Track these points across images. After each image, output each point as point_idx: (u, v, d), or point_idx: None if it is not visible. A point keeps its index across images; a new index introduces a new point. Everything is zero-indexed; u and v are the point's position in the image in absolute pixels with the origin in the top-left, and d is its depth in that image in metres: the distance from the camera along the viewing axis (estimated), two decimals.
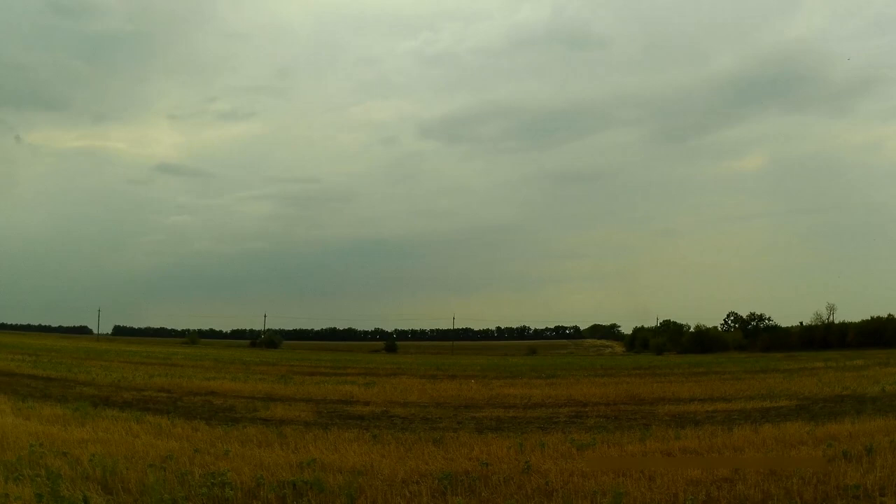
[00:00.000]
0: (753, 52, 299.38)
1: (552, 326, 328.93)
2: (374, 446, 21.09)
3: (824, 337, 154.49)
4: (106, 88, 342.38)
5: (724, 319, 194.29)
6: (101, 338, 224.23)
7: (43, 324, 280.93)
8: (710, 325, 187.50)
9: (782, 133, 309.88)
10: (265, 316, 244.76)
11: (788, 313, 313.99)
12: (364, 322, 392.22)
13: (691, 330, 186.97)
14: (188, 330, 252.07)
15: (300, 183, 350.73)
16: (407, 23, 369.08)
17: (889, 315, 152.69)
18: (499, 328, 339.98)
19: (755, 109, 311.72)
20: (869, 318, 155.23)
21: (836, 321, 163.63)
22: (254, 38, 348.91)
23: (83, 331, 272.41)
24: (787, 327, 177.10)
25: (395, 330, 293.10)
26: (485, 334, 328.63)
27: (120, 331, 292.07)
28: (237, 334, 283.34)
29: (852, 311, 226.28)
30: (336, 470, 16.92)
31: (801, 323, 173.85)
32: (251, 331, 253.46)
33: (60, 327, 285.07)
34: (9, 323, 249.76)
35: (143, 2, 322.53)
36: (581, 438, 22.32)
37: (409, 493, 14.62)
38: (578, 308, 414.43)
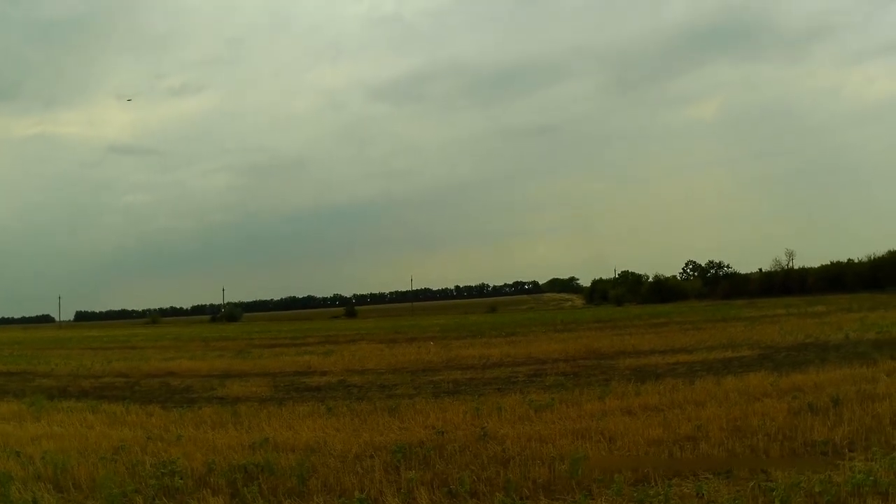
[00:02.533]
0: (706, 1, 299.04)
1: (511, 283, 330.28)
2: (329, 420, 20.60)
3: (784, 283, 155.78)
4: (56, 73, 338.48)
5: (683, 268, 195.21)
6: (63, 325, 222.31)
7: (5, 316, 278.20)
8: (668, 274, 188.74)
9: (737, 80, 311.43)
10: (223, 290, 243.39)
11: (748, 260, 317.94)
12: (323, 289, 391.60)
13: (650, 280, 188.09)
14: (149, 310, 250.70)
15: (254, 153, 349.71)
16: None
17: (849, 260, 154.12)
18: (458, 287, 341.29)
19: (710, 57, 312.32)
20: (829, 263, 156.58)
21: (796, 267, 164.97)
22: (201, 11, 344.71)
23: (46, 319, 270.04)
24: (747, 274, 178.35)
25: (355, 295, 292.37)
26: (444, 294, 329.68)
27: (82, 316, 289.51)
28: (198, 310, 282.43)
29: (812, 257, 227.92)
30: (289, 449, 16.55)
31: (761, 269, 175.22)
32: (211, 305, 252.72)
33: (23, 318, 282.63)
34: None
35: None
36: (539, 399, 21.88)
37: (362, 470, 14.16)
38: (538, 263, 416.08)
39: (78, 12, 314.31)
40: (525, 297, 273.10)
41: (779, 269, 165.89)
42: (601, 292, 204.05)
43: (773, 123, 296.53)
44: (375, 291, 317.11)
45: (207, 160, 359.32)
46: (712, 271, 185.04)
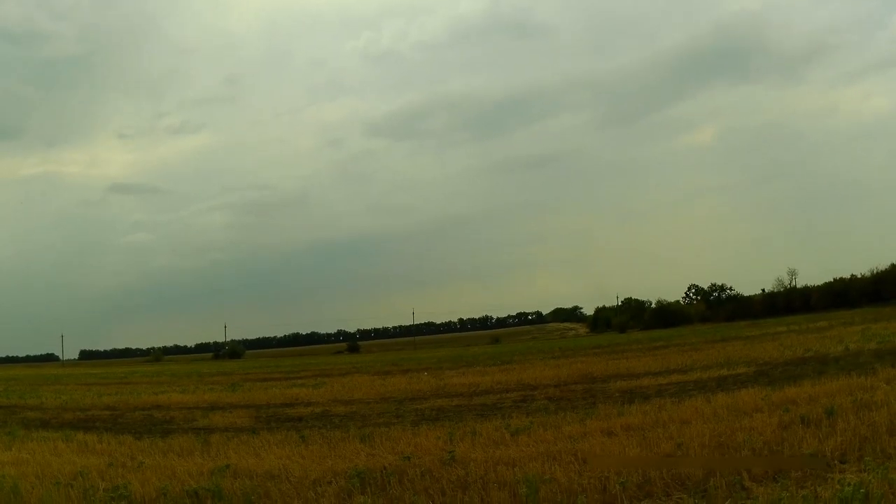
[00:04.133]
0: (698, 28, 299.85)
1: (514, 314, 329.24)
2: (297, 448, 19.83)
3: (787, 302, 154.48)
4: (57, 112, 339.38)
5: (686, 293, 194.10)
6: (66, 363, 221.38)
7: (9, 354, 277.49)
8: (671, 299, 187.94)
9: (733, 105, 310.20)
10: (225, 327, 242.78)
11: (750, 281, 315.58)
12: (326, 325, 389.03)
13: (653, 306, 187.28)
14: (153, 348, 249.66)
15: (254, 190, 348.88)
16: (350, 23, 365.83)
17: (852, 275, 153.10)
18: (461, 320, 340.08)
19: (703, 84, 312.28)
20: (832, 280, 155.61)
21: (799, 286, 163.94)
22: (200, 50, 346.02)
23: (50, 358, 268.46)
24: (750, 296, 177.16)
25: (358, 330, 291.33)
26: (448, 327, 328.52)
27: (87, 355, 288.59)
28: (201, 348, 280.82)
29: (815, 276, 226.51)
30: (249, 475, 15.83)
31: (764, 290, 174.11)
32: (215, 343, 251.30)
33: (27, 357, 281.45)
34: None
35: (89, 24, 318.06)
36: (518, 423, 21.03)
37: (315, 495, 13.50)
38: (540, 294, 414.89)
39: (78, 52, 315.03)
40: (528, 327, 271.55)
41: (782, 289, 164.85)
42: (604, 320, 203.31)
43: (770, 145, 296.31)
44: (378, 326, 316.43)
45: (208, 198, 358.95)
46: (715, 294, 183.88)
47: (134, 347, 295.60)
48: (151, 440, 23.75)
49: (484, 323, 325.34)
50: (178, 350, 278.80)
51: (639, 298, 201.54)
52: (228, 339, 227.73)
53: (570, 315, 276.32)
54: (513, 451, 16.48)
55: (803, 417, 17.13)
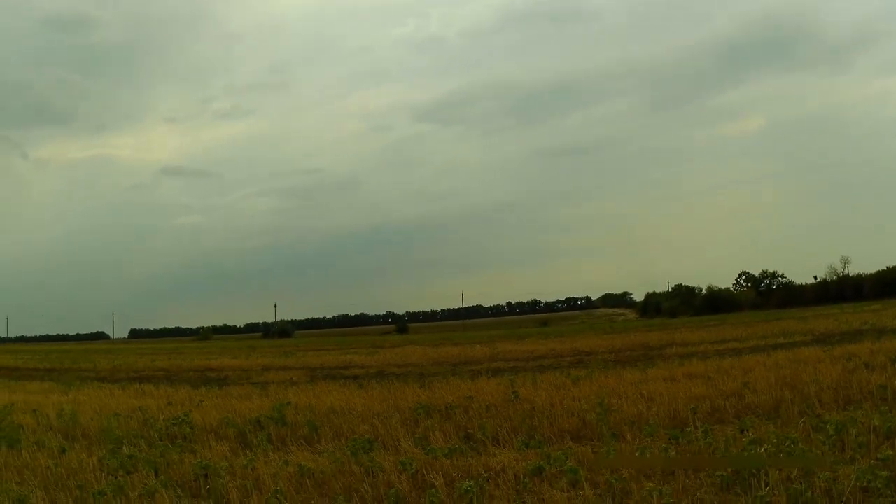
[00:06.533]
0: (747, 14, 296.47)
1: (563, 299, 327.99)
2: (357, 392, 19.96)
3: (839, 290, 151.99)
4: (106, 98, 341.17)
5: (737, 279, 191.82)
6: (116, 341, 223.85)
7: (61, 333, 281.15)
8: (722, 286, 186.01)
9: (780, 93, 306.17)
10: (275, 306, 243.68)
11: (802, 269, 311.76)
12: (375, 307, 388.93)
13: (703, 292, 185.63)
14: (202, 327, 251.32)
15: (302, 175, 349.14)
16: (397, 9, 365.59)
17: None
18: (509, 303, 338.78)
19: (752, 71, 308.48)
20: (885, 269, 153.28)
21: (851, 274, 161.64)
22: (248, 37, 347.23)
23: (100, 336, 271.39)
24: (801, 284, 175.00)
25: (407, 312, 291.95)
26: (496, 310, 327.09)
27: (136, 334, 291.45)
28: (251, 328, 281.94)
29: (867, 264, 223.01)
30: (310, 410, 15.97)
31: (816, 278, 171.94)
32: (264, 323, 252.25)
33: (77, 335, 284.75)
34: (28, 335, 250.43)
35: (136, 11, 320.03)
36: (578, 374, 20.99)
37: (379, 422, 13.51)
38: (589, 279, 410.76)
39: (126, 39, 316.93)
40: (577, 312, 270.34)
41: (834, 277, 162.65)
42: (654, 305, 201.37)
43: (819, 133, 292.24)
44: (427, 309, 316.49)
45: (257, 182, 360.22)
46: (766, 282, 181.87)
47: (184, 327, 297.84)
48: (208, 389, 24.12)
49: (532, 307, 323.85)
50: (227, 330, 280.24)
51: (689, 285, 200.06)
52: (278, 319, 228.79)
53: (619, 300, 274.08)
54: (575, 392, 16.42)
55: (867, 364, 17.13)
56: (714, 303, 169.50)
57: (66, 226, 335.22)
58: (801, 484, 7.77)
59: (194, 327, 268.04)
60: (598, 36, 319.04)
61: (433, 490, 8.56)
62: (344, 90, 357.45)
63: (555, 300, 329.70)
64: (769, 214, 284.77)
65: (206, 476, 10.16)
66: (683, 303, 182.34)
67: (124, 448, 12.65)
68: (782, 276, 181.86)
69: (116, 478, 10.35)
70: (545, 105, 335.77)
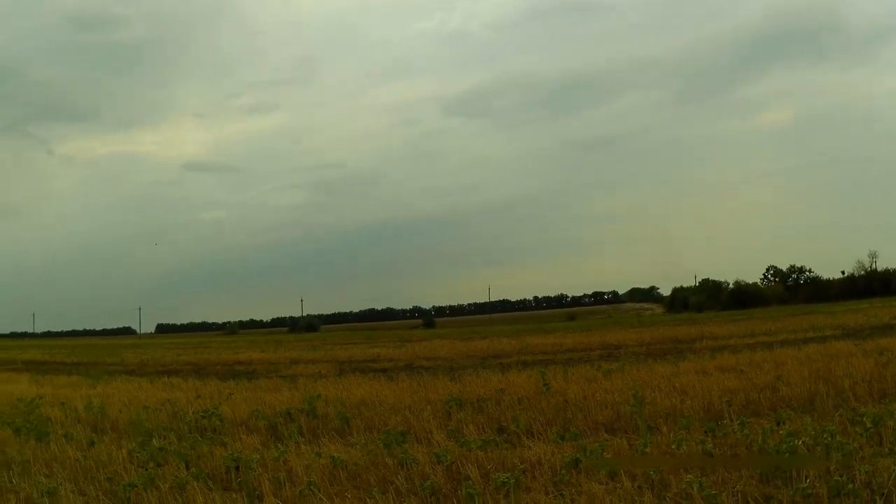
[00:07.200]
0: (772, 6, 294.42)
1: (590, 293, 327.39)
2: (387, 384, 19.99)
3: (867, 285, 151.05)
4: (131, 94, 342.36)
5: (764, 274, 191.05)
6: (143, 336, 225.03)
7: (87, 328, 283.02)
8: (749, 280, 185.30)
9: (811, 86, 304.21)
10: (302, 301, 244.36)
11: (829, 264, 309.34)
12: (401, 301, 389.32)
13: (730, 287, 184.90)
14: (229, 322, 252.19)
15: (327, 169, 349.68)
16: (422, 3, 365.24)
17: None
18: (536, 298, 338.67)
19: (779, 63, 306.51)
20: None
21: (880, 269, 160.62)
22: (272, 31, 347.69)
23: (126, 331, 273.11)
24: (829, 279, 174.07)
25: (434, 307, 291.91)
26: (523, 304, 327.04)
27: (162, 328, 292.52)
28: (277, 322, 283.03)
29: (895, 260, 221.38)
30: (339, 402, 15.96)
31: (843, 273, 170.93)
32: (290, 318, 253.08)
33: (104, 330, 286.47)
34: (55, 330, 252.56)
35: (159, 8, 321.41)
36: (609, 367, 20.95)
37: (410, 414, 13.52)
38: (616, 273, 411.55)
39: (151, 36, 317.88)
40: (604, 306, 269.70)
41: (862, 272, 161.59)
42: (682, 300, 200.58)
43: (851, 126, 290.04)
44: (454, 303, 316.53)
45: (282, 176, 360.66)
46: (793, 276, 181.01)
47: (210, 321, 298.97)
48: (237, 382, 24.10)
49: (559, 301, 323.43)
50: (253, 324, 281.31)
51: (716, 279, 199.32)
52: (304, 314, 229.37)
53: (646, 295, 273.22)
54: (607, 385, 16.35)
55: None
56: (741, 297, 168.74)
57: (92, 222, 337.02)
58: (841, 476, 7.68)
59: (221, 322, 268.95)
60: (624, 29, 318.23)
61: (469, 482, 8.51)
62: (369, 84, 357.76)
63: (581, 294, 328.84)
64: (797, 208, 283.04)
65: (237, 468, 10.17)
66: (710, 297, 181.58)
67: (154, 440, 12.70)
68: (810, 271, 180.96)
69: (147, 470, 10.36)
70: (571, 98, 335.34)
